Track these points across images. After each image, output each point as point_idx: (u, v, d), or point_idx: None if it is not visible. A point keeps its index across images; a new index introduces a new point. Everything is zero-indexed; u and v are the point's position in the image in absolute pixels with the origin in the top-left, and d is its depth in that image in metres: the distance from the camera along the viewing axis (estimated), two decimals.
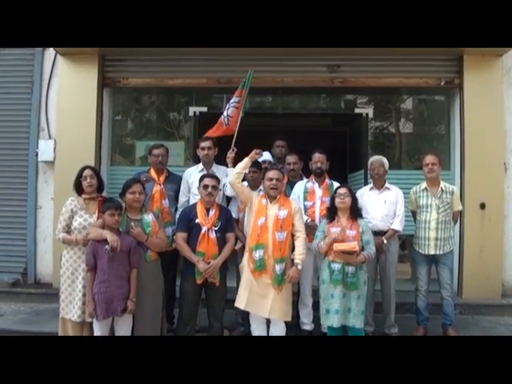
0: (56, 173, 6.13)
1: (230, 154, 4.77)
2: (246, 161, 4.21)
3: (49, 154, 6.17)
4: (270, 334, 4.18)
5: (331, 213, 4.15)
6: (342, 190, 4.10)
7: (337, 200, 4.08)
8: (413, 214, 4.87)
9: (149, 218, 4.02)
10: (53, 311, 5.34)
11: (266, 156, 4.88)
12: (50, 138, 6.26)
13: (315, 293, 4.53)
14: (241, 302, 4.10)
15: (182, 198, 4.73)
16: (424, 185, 4.71)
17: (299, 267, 4.10)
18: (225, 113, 4.94)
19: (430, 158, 4.70)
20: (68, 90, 6.11)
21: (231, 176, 4.19)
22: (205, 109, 6.54)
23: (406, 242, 5.73)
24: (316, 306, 4.42)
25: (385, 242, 4.56)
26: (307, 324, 4.63)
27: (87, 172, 4.21)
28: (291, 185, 4.76)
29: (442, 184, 4.73)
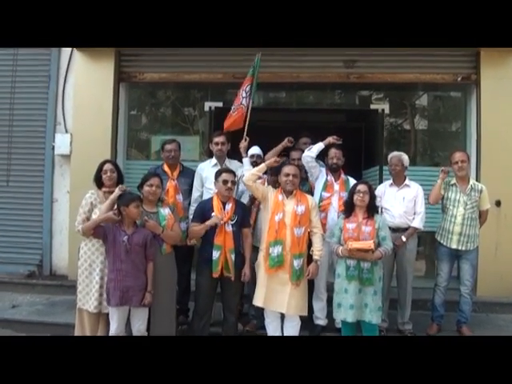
0: (72, 166, 6.20)
1: (242, 144, 4.81)
2: (263, 166, 4.21)
3: (65, 147, 6.24)
4: (285, 329, 4.21)
5: (348, 208, 4.15)
6: (363, 188, 4.08)
7: (356, 197, 4.07)
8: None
9: (165, 211, 4.06)
10: (68, 303, 5.42)
11: (255, 150, 4.91)
12: (66, 131, 6.33)
13: (329, 288, 4.55)
14: (258, 300, 4.13)
15: (195, 193, 4.76)
16: (453, 180, 4.67)
17: (318, 263, 4.16)
18: (244, 102, 4.94)
19: (459, 156, 4.64)
20: (84, 85, 6.17)
21: (246, 178, 4.18)
22: (220, 104, 6.54)
23: (421, 238, 5.66)
24: (330, 301, 4.43)
25: (404, 239, 4.55)
26: (321, 319, 4.65)
27: (108, 166, 4.28)
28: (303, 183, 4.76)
29: (472, 181, 4.70)
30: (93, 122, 6.10)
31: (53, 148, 6.33)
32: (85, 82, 6.17)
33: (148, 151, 7.00)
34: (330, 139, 4.66)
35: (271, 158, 4.29)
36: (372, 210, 4.12)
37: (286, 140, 4.80)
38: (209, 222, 4.05)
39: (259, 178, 4.28)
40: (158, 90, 7.15)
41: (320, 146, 4.63)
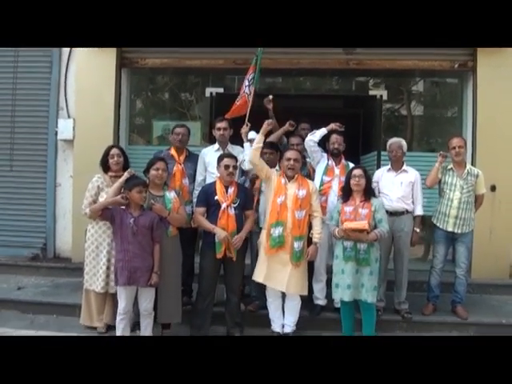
0: (75, 151, 6.25)
1: (244, 129, 4.91)
2: (260, 136, 4.31)
3: (68, 132, 6.29)
4: (286, 308, 4.37)
5: (346, 193, 4.28)
6: (357, 172, 4.20)
7: (352, 182, 4.19)
8: None
9: (171, 195, 4.17)
10: (73, 284, 5.54)
11: (254, 135, 4.94)
12: (68, 117, 6.37)
13: (329, 270, 4.67)
14: (259, 276, 4.27)
15: (198, 177, 4.85)
16: (450, 165, 4.79)
17: (318, 246, 4.30)
18: (247, 90, 5.03)
19: (456, 141, 4.76)
20: (86, 71, 6.20)
21: (250, 155, 4.31)
22: (221, 89, 6.61)
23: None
24: (330, 282, 4.55)
25: (418, 231, 4.74)
26: (320, 299, 4.80)
27: (114, 151, 4.38)
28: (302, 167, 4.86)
29: (468, 166, 4.83)
30: (95, 107, 6.14)
31: (56, 133, 6.38)
32: (87, 68, 6.19)
33: (150, 136, 7.07)
34: (333, 125, 4.76)
35: (264, 125, 4.36)
36: (369, 193, 4.24)
37: (287, 124, 4.90)
38: (216, 231, 4.15)
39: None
40: (160, 75, 7.19)
41: (323, 131, 4.73)
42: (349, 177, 4.27)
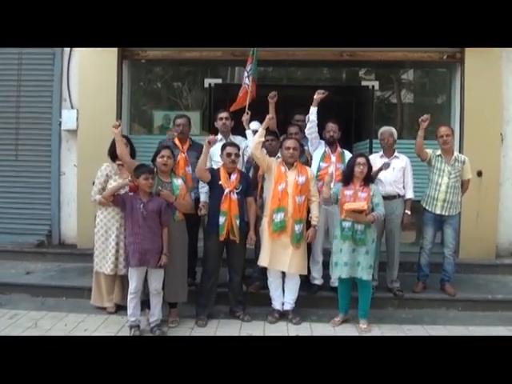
0: (79, 141, 6.39)
1: (245, 117, 5.16)
2: (262, 130, 4.54)
3: (72, 123, 6.42)
4: (286, 286, 4.64)
5: (347, 178, 4.51)
6: (362, 160, 4.43)
7: (356, 169, 4.41)
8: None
9: (178, 181, 4.41)
10: (79, 269, 5.73)
11: (256, 126, 5.17)
12: (72, 107, 6.50)
13: (325, 252, 4.95)
14: (264, 261, 4.53)
15: None
16: (439, 152, 5.03)
17: (316, 228, 4.58)
18: (246, 81, 5.29)
19: (443, 130, 5.02)
20: (89, 62, 6.29)
21: (253, 148, 4.54)
22: (219, 80, 6.77)
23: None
24: (325, 264, 4.82)
25: (409, 213, 4.99)
26: (317, 279, 5.07)
27: None
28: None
29: (456, 153, 5.08)
30: (97, 98, 6.24)
31: (59, 124, 6.50)
32: (89, 59, 6.28)
33: (151, 126, 7.23)
34: (316, 97, 4.89)
35: (266, 120, 4.56)
36: (368, 180, 4.49)
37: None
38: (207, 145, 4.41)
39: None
40: (160, 67, 7.30)
41: (313, 109, 4.91)
42: (352, 164, 4.48)
